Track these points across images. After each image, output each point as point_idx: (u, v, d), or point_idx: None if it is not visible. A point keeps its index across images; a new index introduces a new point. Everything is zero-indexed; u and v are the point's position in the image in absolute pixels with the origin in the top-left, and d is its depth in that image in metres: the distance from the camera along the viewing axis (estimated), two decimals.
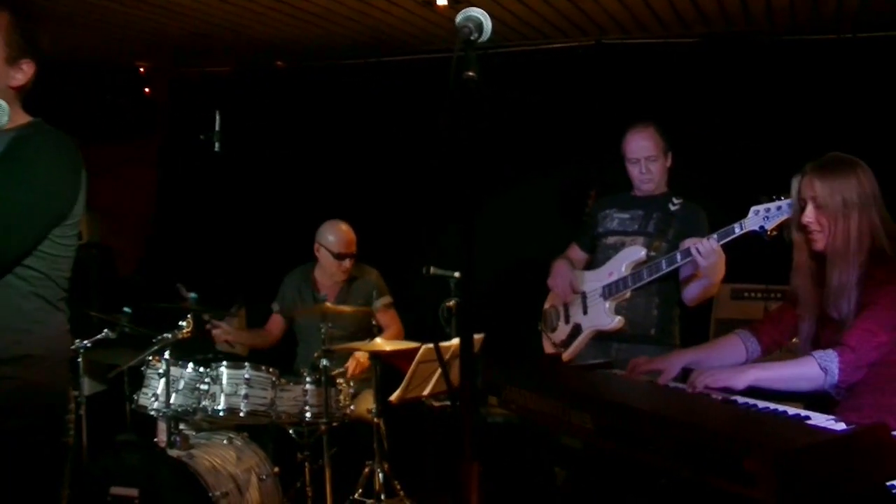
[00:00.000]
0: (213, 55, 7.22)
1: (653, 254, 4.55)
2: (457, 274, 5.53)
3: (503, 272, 6.08)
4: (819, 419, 2.69)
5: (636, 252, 4.59)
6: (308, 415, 4.86)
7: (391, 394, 4.76)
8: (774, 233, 3.96)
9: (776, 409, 2.84)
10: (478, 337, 4.92)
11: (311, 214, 5.76)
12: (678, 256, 4.31)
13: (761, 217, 4.02)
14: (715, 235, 4.20)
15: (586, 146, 4.88)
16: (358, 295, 5.57)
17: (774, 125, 5.96)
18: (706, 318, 5.69)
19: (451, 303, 5.25)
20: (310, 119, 7.34)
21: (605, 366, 3.78)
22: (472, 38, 2.20)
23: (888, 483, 2.40)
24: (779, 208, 3.97)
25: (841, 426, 2.56)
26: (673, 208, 4.69)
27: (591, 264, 4.84)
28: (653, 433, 2.47)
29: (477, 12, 2.23)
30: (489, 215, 6.60)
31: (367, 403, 5.12)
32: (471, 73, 2.15)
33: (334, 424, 4.89)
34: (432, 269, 5.07)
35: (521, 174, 6.67)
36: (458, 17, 2.22)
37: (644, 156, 4.65)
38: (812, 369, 3.05)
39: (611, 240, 4.75)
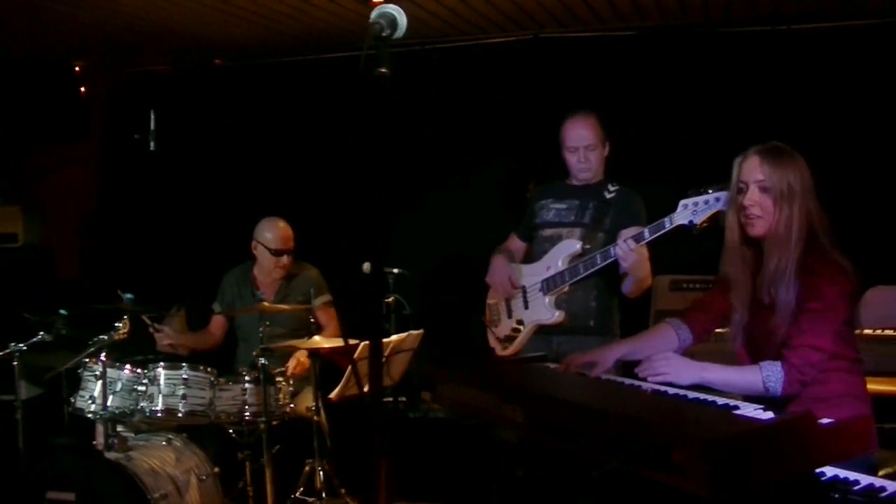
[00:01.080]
0: (151, 53, 7.12)
1: (588, 246, 4.54)
2: (396, 270, 5.52)
3: (446, 266, 6.06)
4: (747, 409, 2.69)
5: (571, 246, 4.58)
6: (247, 414, 4.80)
7: (331, 391, 4.73)
8: (705, 225, 3.94)
9: (705, 400, 2.84)
10: (416, 333, 4.90)
11: (251, 213, 5.70)
12: (611, 251, 4.31)
13: (690, 211, 3.96)
14: (631, 237, 4.18)
15: (526, 139, 4.88)
16: (297, 293, 5.51)
17: (711, 116, 6.00)
18: (646, 309, 5.71)
19: (391, 299, 5.21)
20: (248, 117, 7.27)
21: (538, 359, 3.76)
22: (384, 34, 2.17)
23: (816, 470, 2.41)
24: (706, 202, 3.91)
25: (768, 416, 2.57)
26: (609, 196, 4.68)
27: (530, 256, 4.83)
28: (581, 425, 2.44)
29: (392, 9, 2.19)
30: (431, 209, 6.64)
31: (307, 401, 5.08)
32: (383, 70, 2.12)
33: (274, 423, 4.84)
34: (368, 267, 5.01)
35: (463, 168, 6.66)
36: (372, 14, 2.19)
37: (583, 144, 4.62)
38: (755, 383, 3.06)
39: (548, 232, 4.73)
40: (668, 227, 4.09)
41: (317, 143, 6.92)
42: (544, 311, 4.60)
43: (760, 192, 3.18)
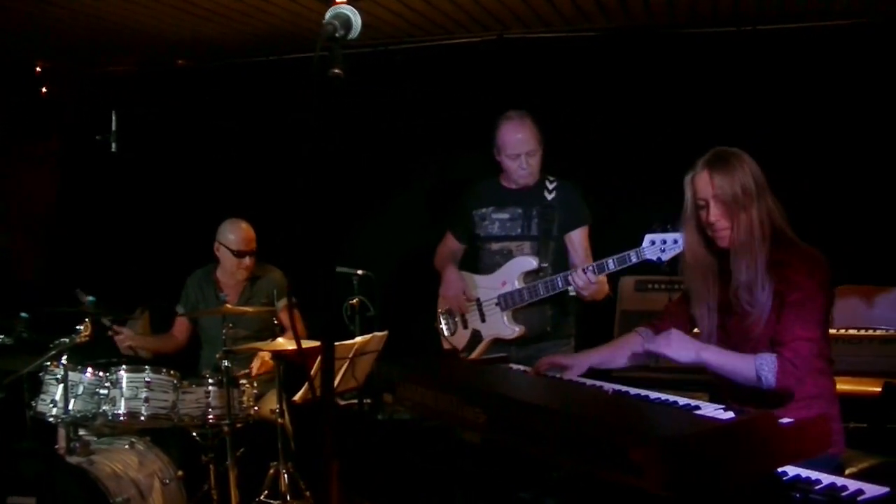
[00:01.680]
0: (114, 53, 7.06)
1: (544, 264, 4.57)
2: (360, 272, 5.50)
3: (410, 267, 6.05)
4: (707, 409, 2.70)
5: (527, 263, 4.61)
6: (211, 417, 4.79)
7: (295, 393, 4.71)
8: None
9: (667, 400, 2.85)
10: (381, 335, 4.90)
11: (214, 214, 5.67)
12: (572, 280, 4.35)
13: (657, 248, 4.02)
14: (592, 267, 4.25)
15: (491, 140, 4.88)
16: (261, 295, 5.50)
17: (677, 117, 6.00)
18: (611, 309, 5.71)
19: (355, 300, 5.20)
20: (211, 118, 7.21)
21: (500, 360, 3.76)
22: (337, 35, 2.16)
23: (777, 470, 2.42)
24: (675, 241, 3.96)
25: (728, 415, 2.57)
26: (550, 197, 4.68)
27: (478, 266, 4.84)
28: (541, 426, 2.45)
29: (346, 9, 2.18)
30: (396, 210, 6.63)
31: (270, 404, 5.06)
32: (337, 71, 2.11)
33: (238, 426, 4.82)
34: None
35: (427, 168, 6.66)
36: (326, 15, 2.18)
37: (525, 151, 4.60)
38: (748, 370, 3.10)
39: (495, 246, 4.74)
40: (633, 261, 4.13)
41: (279, 144, 6.89)
42: (503, 327, 4.63)
43: (718, 205, 3.21)
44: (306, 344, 4.91)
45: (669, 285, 5.63)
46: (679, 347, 3.16)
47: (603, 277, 4.34)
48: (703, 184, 3.23)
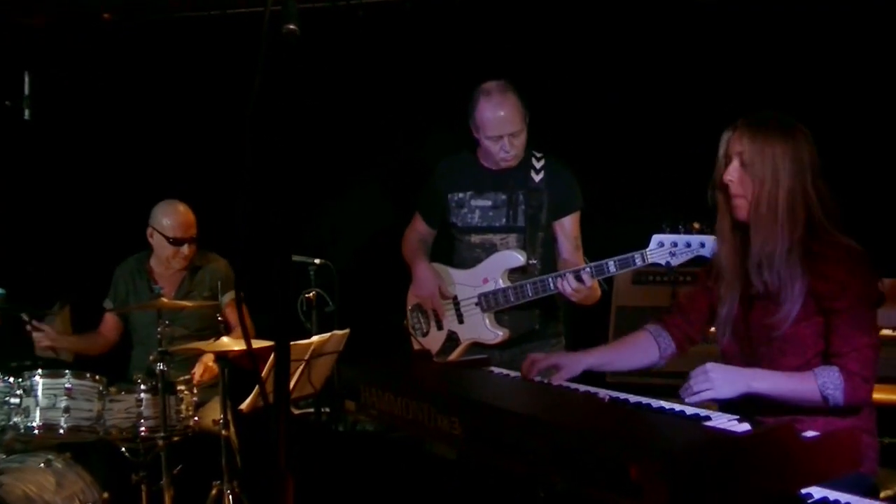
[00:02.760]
0: (26, 2, 6.98)
1: (533, 261, 4.58)
2: (317, 260, 5.49)
3: (375, 254, 6.05)
4: (719, 420, 2.68)
5: (513, 259, 4.62)
6: (143, 429, 4.77)
7: (242, 401, 4.70)
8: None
9: (671, 409, 2.85)
10: (341, 333, 4.90)
11: (147, 195, 5.64)
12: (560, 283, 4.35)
13: (667, 251, 4.02)
14: (590, 268, 4.24)
15: (466, 112, 4.86)
16: (203, 287, 5.49)
17: (699, 92, 5.95)
18: (606, 305, 5.73)
19: (311, 294, 5.19)
20: (143, 81, 7.15)
21: (480, 363, 3.77)
22: None
23: (800, 491, 2.42)
24: (688, 245, 3.97)
25: (743, 427, 2.57)
26: (537, 178, 4.67)
27: (455, 259, 4.85)
28: (527, 439, 2.45)
29: None
30: (358, 191, 6.62)
31: (213, 413, 5.04)
32: (292, 27, 2.10)
33: (175, 439, 4.81)
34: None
35: (394, 144, 6.66)
36: None
37: (508, 132, 4.55)
38: (811, 392, 3.10)
39: (476, 238, 4.75)
40: (637, 264, 4.12)
41: (223, 113, 6.84)
42: (484, 330, 4.65)
43: (741, 168, 3.23)
44: (256, 344, 4.91)
45: (672, 277, 5.64)
46: (724, 383, 3.09)
47: (593, 287, 4.34)
48: (734, 139, 3.26)
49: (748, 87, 5.80)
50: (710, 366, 3.14)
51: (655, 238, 4.06)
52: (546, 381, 3.40)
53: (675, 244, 4.00)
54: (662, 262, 4.04)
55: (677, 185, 3.76)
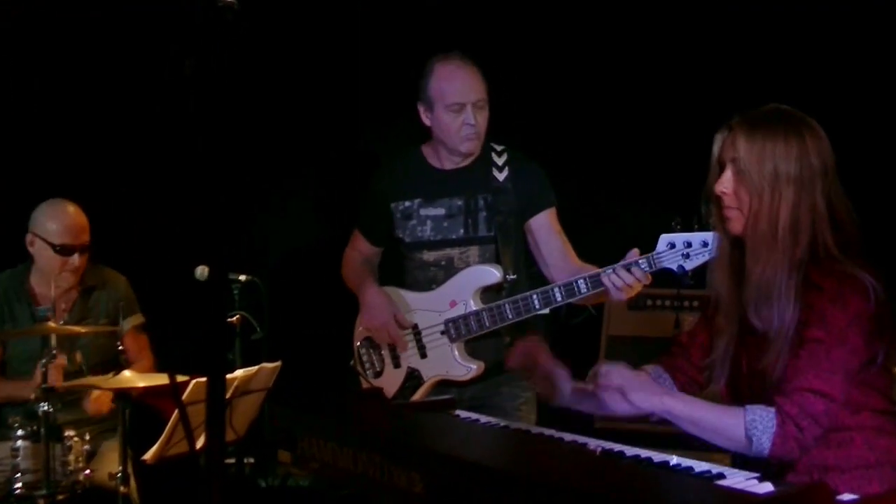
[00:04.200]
0: None
1: (511, 276, 4.55)
2: (242, 277, 5.48)
3: (313, 270, 6.05)
4: (735, 478, 2.69)
5: (487, 275, 4.60)
6: (19, 485, 4.72)
7: (146, 450, 4.67)
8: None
9: (677, 465, 2.86)
10: (271, 366, 4.88)
11: (28, 195, 5.58)
12: (566, 289, 4.31)
13: (679, 253, 4.00)
14: (643, 260, 4.13)
15: (413, 101, 4.89)
16: (99, 311, 5.44)
17: (700, 78, 6.04)
18: (595, 333, 5.77)
19: (235, 317, 5.19)
20: (27, 60, 7.10)
21: (444, 405, 3.78)
22: None
23: None
24: (704, 244, 3.92)
25: (765, 488, 2.57)
26: (501, 176, 4.68)
27: (407, 280, 4.85)
28: (503, 499, 2.46)
29: None
30: (291, 192, 6.63)
31: (110, 464, 5.00)
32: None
33: (61, 497, 4.76)
34: (205, 271, 4.96)
35: (335, 136, 6.67)
36: None
37: (472, 100, 4.56)
38: (734, 429, 3.08)
39: (430, 256, 4.74)
40: (643, 271, 4.11)
41: (126, 99, 6.82)
42: (454, 364, 4.64)
43: (735, 176, 3.20)
44: (165, 380, 4.91)
45: (676, 302, 5.67)
46: (636, 387, 3.18)
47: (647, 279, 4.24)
48: (728, 141, 3.23)
49: (755, 69, 5.87)
50: (623, 369, 3.23)
51: (664, 238, 4.04)
52: (520, 428, 3.42)
53: (688, 244, 3.96)
54: (674, 266, 4.00)
55: (686, 175, 3.71)
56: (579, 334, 4.92)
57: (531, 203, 4.67)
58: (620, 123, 6.17)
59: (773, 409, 3.04)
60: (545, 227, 4.69)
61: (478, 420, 3.59)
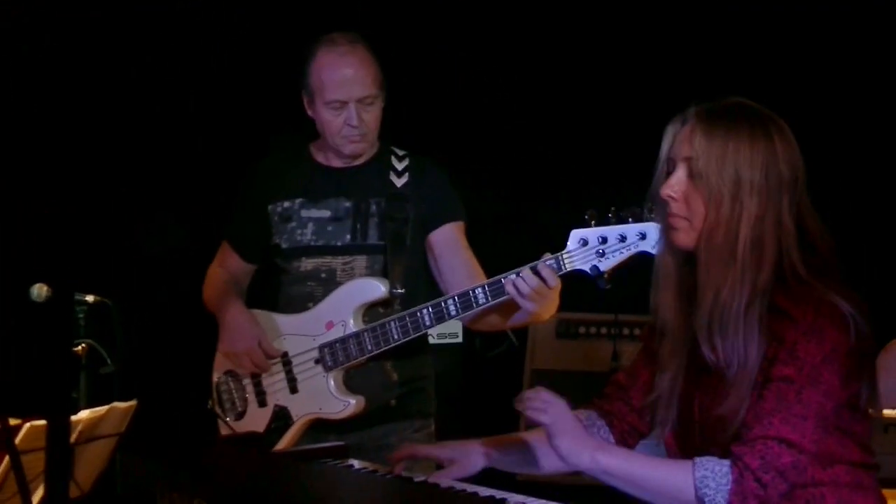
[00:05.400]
0: None
1: (398, 291, 4.56)
2: (89, 298, 5.42)
3: (175, 290, 6.02)
4: None
5: (371, 289, 4.59)
6: None
7: None
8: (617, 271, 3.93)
9: None
10: (123, 406, 4.82)
11: None
12: (461, 301, 4.29)
13: (592, 251, 3.94)
14: (552, 259, 4.06)
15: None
16: None
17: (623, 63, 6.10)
18: (517, 366, 5.77)
19: (80, 347, 5.13)
20: None
21: (335, 452, 3.75)
22: None
23: None
24: (621, 238, 3.87)
25: None
26: (399, 182, 4.69)
27: (280, 299, 4.84)
28: None
29: None
30: (148, 199, 6.58)
31: None
32: None
33: None
34: (43, 291, 4.91)
35: (198, 134, 6.66)
36: None
37: (357, 96, 4.54)
38: (682, 488, 3.03)
39: (308, 263, 4.73)
40: (553, 272, 4.07)
41: None
42: (329, 399, 4.61)
43: (689, 179, 3.13)
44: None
45: (615, 329, 5.68)
46: (566, 437, 3.12)
47: (558, 288, 4.16)
48: (681, 136, 3.17)
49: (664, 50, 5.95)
50: (561, 406, 3.16)
51: (575, 234, 3.97)
52: (429, 480, 3.39)
53: (603, 239, 3.89)
54: (587, 267, 3.95)
55: (602, 165, 3.71)
56: (498, 368, 4.89)
57: (433, 215, 4.67)
58: (525, 112, 6.20)
59: (727, 462, 2.99)
60: (449, 243, 4.70)
61: (376, 472, 3.55)
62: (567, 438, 3.10)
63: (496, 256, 4.59)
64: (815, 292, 3.03)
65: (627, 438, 3.53)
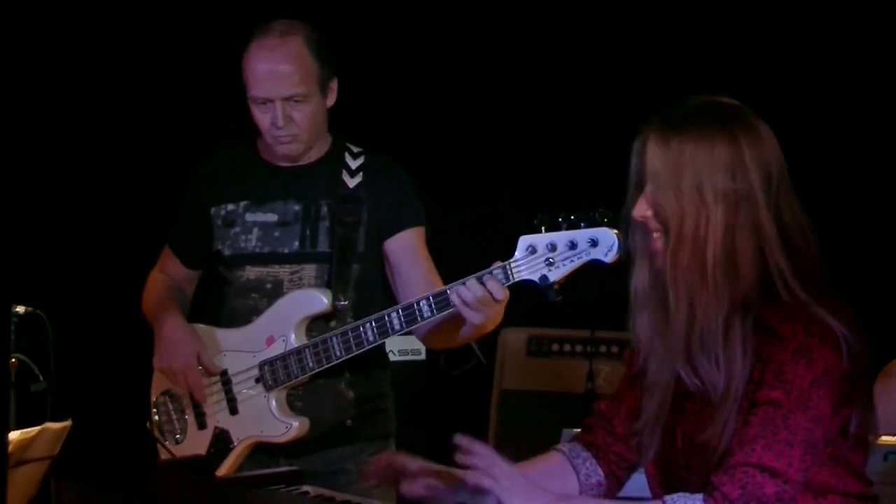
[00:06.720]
0: None
1: (343, 303, 4.53)
2: (20, 308, 5.37)
3: (112, 302, 5.97)
4: None
5: (313, 301, 4.55)
6: None
7: None
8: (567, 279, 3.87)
9: None
10: (57, 427, 4.77)
11: None
12: (405, 314, 4.25)
13: (541, 259, 3.89)
14: (498, 269, 4.01)
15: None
16: None
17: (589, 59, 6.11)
18: (485, 386, 5.73)
19: (10, 362, 5.08)
20: None
21: (288, 477, 3.71)
22: None
23: None
24: (571, 245, 3.80)
25: None
26: (352, 182, 4.66)
27: (223, 313, 4.80)
28: None
29: None
30: (86, 200, 6.54)
31: None
32: None
33: None
34: None
35: (144, 132, 6.64)
36: None
37: (283, 95, 4.48)
38: None
39: (252, 272, 4.69)
40: (499, 282, 4.02)
41: None
42: (271, 421, 4.58)
43: (654, 194, 3.08)
44: None
45: (591, 346, 5.64)
46: (516, 490, 3.07)
47: (506, 298, 4.10)
48: (640, 150, 3.10)
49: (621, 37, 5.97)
50: (501, 462, 3.10)
51: (523, 241, 3.91)
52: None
53: (552, 246, 3.83)
54: (536, 277, 3.90)
55: (557, 164, 3.65)
56: (464, 388, 4.85)
57: (389, 220, 4.64)
58: (498, 113, 6.21)
59: (699, 497, 2.96)
60: (406, 251, 4.66)
61: (332, 499, 3.52)
62: (519, 497, 3.04)
63: (459, 266, 4.52)
64: (805, 309, 2.99)
65: (616, 471, 3.48)
